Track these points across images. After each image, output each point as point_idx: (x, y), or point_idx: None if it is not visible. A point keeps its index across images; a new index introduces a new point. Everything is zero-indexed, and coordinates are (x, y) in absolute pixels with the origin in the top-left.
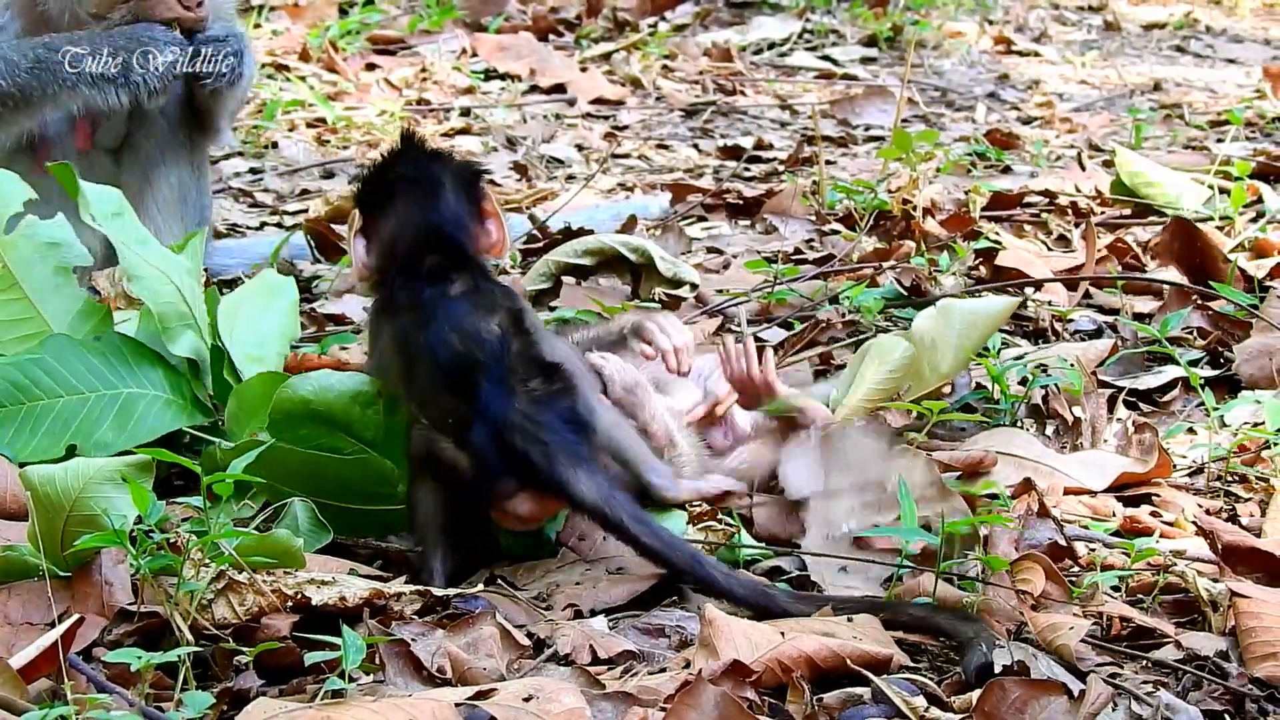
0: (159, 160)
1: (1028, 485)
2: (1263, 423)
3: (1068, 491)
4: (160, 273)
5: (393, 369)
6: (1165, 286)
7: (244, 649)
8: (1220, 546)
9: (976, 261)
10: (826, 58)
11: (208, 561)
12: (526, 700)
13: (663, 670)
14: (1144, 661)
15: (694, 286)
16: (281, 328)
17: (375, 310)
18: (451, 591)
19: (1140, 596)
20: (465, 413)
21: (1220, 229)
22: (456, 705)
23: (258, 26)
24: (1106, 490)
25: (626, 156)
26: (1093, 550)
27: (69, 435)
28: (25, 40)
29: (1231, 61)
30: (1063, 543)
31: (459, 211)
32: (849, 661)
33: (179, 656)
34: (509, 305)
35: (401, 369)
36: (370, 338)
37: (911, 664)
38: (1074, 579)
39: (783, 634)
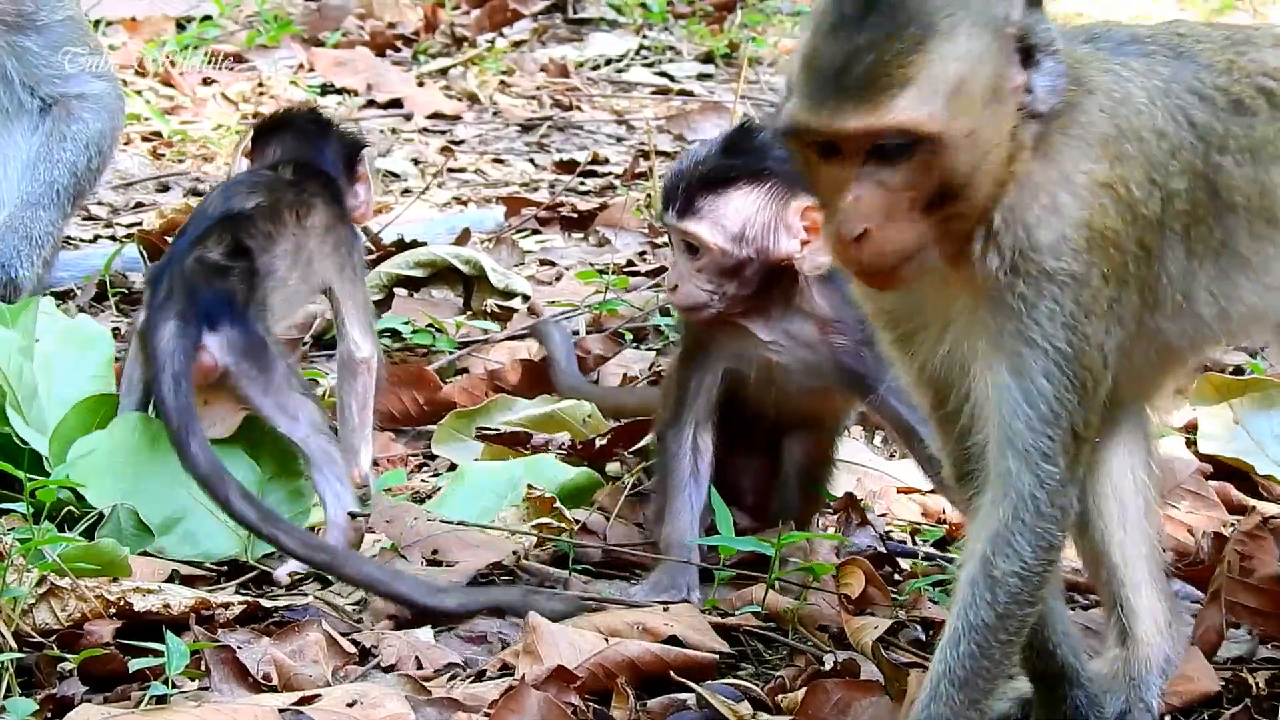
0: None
1: (850, 499)
2: None
3: (900, 491)
4: None
5: None
6: None
7: (68, 656)
8: None
9: None
10: (663, 74)
11: (30, 567)
12: (350, 705)
13: (485, 675)
14: None
15: (526, 298)
16: (96, 384)
17: None
18: (281, 602)
19: None
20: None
21: None
22: (280, 711)
23: None
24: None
25: (462, 171)
26: (918, 558)
27: None
28: None
29: None
30: (882, 550)
31: (337, 159)
32: (672, 671)
33: (1, 663)
34: (298, 209)
35: None
36: None
37: (736, 665)
38: (896, 586)
39: (606, 640)
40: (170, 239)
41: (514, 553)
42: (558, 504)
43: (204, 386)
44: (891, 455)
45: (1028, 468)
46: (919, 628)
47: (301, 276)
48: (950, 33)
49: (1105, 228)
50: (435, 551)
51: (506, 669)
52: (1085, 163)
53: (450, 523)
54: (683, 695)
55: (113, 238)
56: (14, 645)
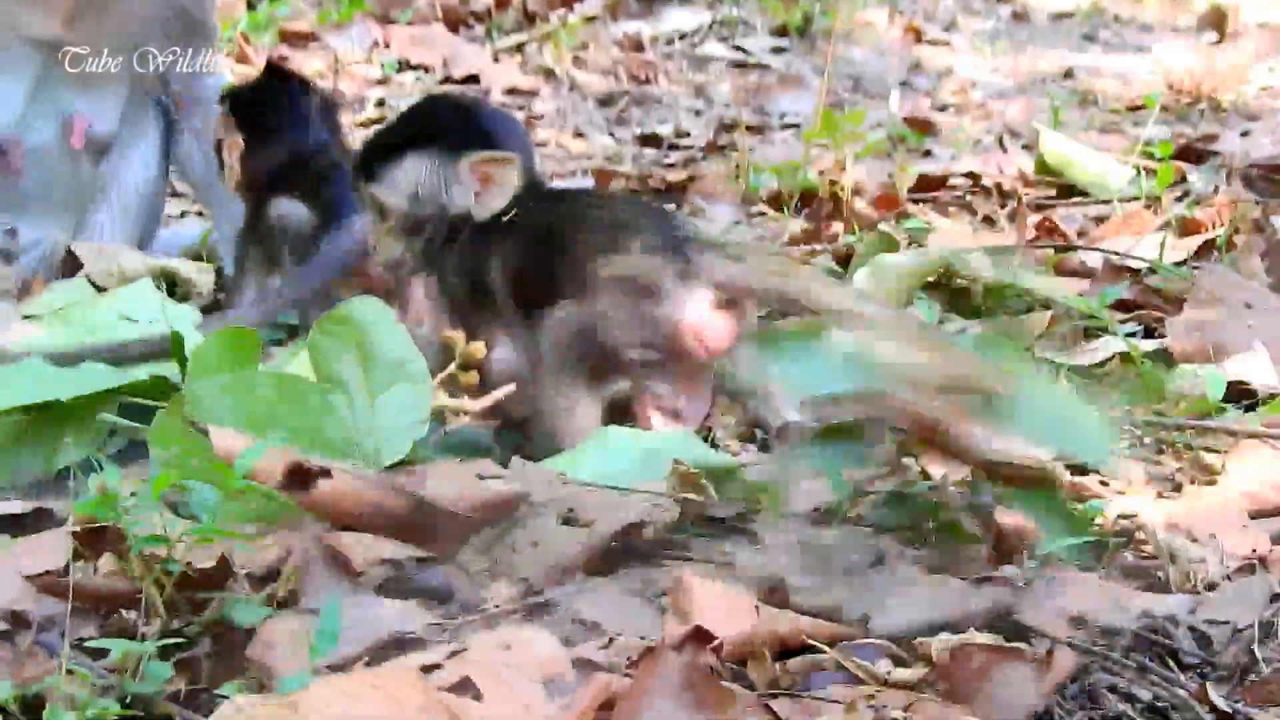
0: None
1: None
2: (1203, 394)
3: None
4: None
5: None
6: (1098, 264)
7: None
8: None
9: (908, 242)
10: (738, 48)
11: None
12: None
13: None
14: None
15: None
16: None
17: None
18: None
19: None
20: None
21: (1148, 208)
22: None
23: None
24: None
25: (544, 145)
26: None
27: None
28: None
29: (1141, 49)
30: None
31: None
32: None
33: None
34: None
35: None
36: None
37: None
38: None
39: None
40: None
41: (650, 523)
42: (703, 480)
43: None
44: None
45: None
46: None
47: None
48: None
49: None
50: (571, 510)
51: None
52: None
53: (589, 486)
54: (823, 656)
55: (200, 214)
56: None
